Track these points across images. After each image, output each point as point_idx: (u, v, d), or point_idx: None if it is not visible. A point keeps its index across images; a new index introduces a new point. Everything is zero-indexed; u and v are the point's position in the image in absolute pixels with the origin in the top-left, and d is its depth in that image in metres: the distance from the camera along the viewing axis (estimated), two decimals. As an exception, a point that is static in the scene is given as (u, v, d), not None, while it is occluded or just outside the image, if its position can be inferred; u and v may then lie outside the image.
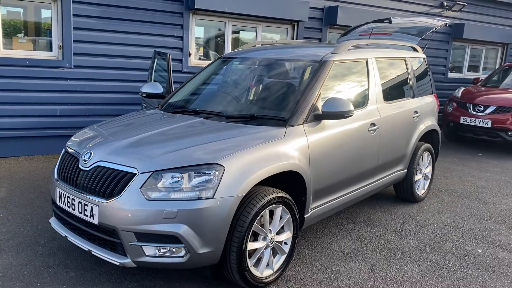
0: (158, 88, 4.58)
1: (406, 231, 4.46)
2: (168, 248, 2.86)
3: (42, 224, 4.23)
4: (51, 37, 6.60)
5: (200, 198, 2.82)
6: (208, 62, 7.87)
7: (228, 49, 8.07)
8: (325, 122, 3.70)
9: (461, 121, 8.70)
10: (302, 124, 3.52)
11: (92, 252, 3.03)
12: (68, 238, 3.22)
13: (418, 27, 5.93)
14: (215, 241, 2.89)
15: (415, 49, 5.49)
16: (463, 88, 9.40)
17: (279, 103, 3.83)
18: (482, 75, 11.66)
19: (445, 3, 10.32)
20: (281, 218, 3.29)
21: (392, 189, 5.44)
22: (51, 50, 6.64)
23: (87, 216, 3.00)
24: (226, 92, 4.38)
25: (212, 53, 8.23)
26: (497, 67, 12.15)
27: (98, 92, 6.96)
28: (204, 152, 3.00)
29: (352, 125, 3.98)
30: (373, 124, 4.23)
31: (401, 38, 5.73)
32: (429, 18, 6.53)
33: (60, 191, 3.23)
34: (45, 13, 6.64)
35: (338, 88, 4.03)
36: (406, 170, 5.03)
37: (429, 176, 5.53)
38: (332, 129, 3.76)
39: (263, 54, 4.44)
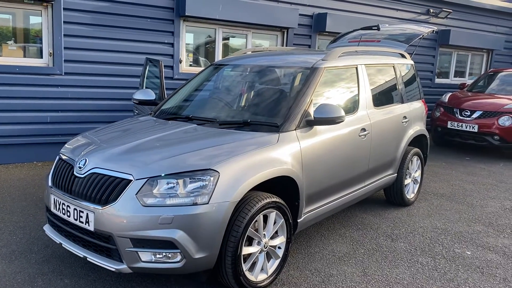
0: (151, 95, 4.61)
1: (397, 235, 4.53)
2: (164, 254, 2.88)
3: (35, 231, 4.22)
4: (42, 44, 6.59)
5: (195, 204, 2.86)
6: (199, 68, 7.94)
7: (218, 55, 8.12)
8: (317, 127, 3.76)
9: (449, 125, 8.85)
10: (295, 129, 3.58)
11: (88, 259, 3.03)
12: (63, 245, 3.22)
13: (406, 33, 6.05)
14: (211, 246, 2.92)
15: (403, 56, 5.60)
16: (450, 93, 9.57)
17: (272, 109, 3.88)
18: (468, 80, 11.87)
19: (432, 10, 10.51)
20: (275, 222, 3.33)
21: (382, 193, 5.52)
22: (41, 57, 6.63)
23: (82, 222, 3.01)
24: (219, 99, 4.42)
25: (202, 59, 8.28)
26: (482, 72, 12.39)
27: (89, 99, 6.96)
28: (198, 158, 3.04)
29: (343, 130, 4.05)
30: (363, 130, 4.31)
31: (389, 45, 5.84)
32: (416, 25, 6.66)
33: (55, 198, 3.24)
34: (36, 20, 6.63)
35: (329, 94, 4.10)
36: (396, 174, 5.11)
37: (418, 180, 5.62)
38: (324, 134, 3.82)
39: (255, 61, 4.50)
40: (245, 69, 4.47)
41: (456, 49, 11.56)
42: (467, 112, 8.66)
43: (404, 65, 5.42)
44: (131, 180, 2.90)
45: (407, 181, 5.34)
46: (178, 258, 2.88)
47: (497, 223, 5.03)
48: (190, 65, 7.96)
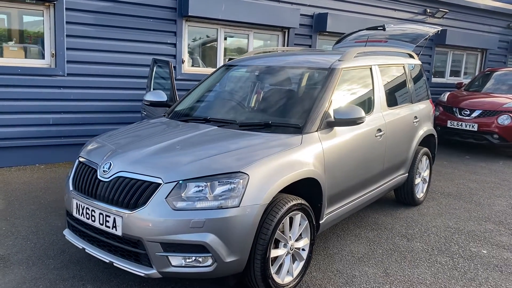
0: (162, 96, 4.55)
1: (412, 234, 4.54)
2: (195, 258, 2.85)
3: (49, 236, 4.15)
4: (44, 45, 6.48)
5: (226, 207, 2.83)
6: (201, 69, 7.89)
7: (220, 55, 8.08)
8: (336, 128, 3.75)
9: (448, 125, 8.93)
10: (316, 131, 3.57)
11: (114, 264, 2.99)
12: (86, 250, 3.17)
13: (412, 34, 6.08)
14: (241, 250, 2.89)
15: (411, 56, 5.63)
16: (449, 93, 9.65)
17: (291, 110, 3.87)
18: (463, 79, 11.99)
19: (428, 10, 10.59)
20: (299, 224, 3.32)
21: (391, 193, 5.54)
22: (43, 58, 6.52)
23: (109, 227, 2.96)
24: (234, 100, 4.39)
25: (204, 60, 8.22)
26: (476, 71, 12.54)
27: (92, 100, 6.87)
28: (227, 160, 3.01)
29: (361, 131, 4.05)
30: (379, 130, 4.32)
31: (397, 45, 5.86)
32: (421, 26, 6.70)
33: (78, 203, 3.18)
34: (37, 21, 6.52)
35: (346, 95, 4.10)
36: (407, 174, 5.13)
37: (427, 180, 5.65)
38: (343, 135, 3.82)
39: (269, 61, 4.47)
40: (261, 70, 4.44)
41: (452, 49, 11.68)
42: (467, 111, 8.74)
43: (413, 65, 5.44)
44: (160, 184, 2.86)
45: (417, 180, 5.36)
46: (209, 262, 2.85)
47: (507, 221, 5.08)
48: (192, 66, 7.91)
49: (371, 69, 4.48)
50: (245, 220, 2.86)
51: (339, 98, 3.95)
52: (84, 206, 3.13)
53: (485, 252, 4.21)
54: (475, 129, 8.53)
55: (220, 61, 8.08)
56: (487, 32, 12.13)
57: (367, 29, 6.44)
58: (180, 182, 2.85)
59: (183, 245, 2.81)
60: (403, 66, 5.18)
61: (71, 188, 3.31)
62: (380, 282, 3.55)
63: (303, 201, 3.26)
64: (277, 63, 4.41)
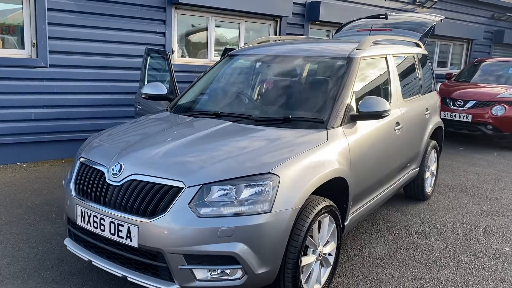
0: (162, 89, 4.17)
1: (429, 232, 4.35)
2: (222, 270, 2.54)
3: (42, 244, 3.76)
4: (23, 34, 5.98)
5: (257, 213, 2.53)
6: (192, 60, 7.51)
7: (211, 45, 7.70)
8: (359, 122, 3.49)
9: (442, 115, 8.79)
10: (341, 125, 3.29)
11: (128, 278, 2.65)
12: (93, 263, 2.81)
13: (417, 22, 5.86)
14: (273, 259, 2.60)
15: (418, 45, 5.41)
16: (441, 83, 9.55)
17: (311, 103, 3.57)
18: (450, 70, 11.95)
19: (418, 0, 10.44)
20: (327, 228, 3.05)
21: (400, 187, 5.34)
22: (23, 47, 6.02)
23: (122, 237, 2.62)
24: (244, 92, 4.06)
25: (195, 50, 7.82)
26: (462, 62, 12.53)
27: (77, 93, 6.42)
28: (254, 160, 2.70)
29: (381, 124, 3.80)
30: (397, 123, 4.08)
31: (403, 34, 5.63)
32: (424, 14, 6.49)
33: (83, 210, 2.81)
34: (16, 7, 6.00)
35: (364, 86, 3.83)
36: (418, 168, 4.93)
37: (435, 173, 5.48)
38: (364, 129, 3.56)
39: (279, 50, 4.16)
40: (271, 60, 4.12)
41: (439, 39, 11.60)
42: (460, 102, 8.65)
43: (421, 55, 5.23)
44: (182, 188, 2.53)
45: (427, 174, 5.18)
46: (239, 274, 2.54)
47: (519, 215, 4.96)
48: (182, 56, 7.51)
49: (386, 58, 4.23)
50: (277, 227, 2.57)
51: (359, 89, 3.68)
52: (90, 214, 2.77)
53: (507, 249, 4.05)
54: (469, 120, 8.45)
55: (211, 51, 7.71)
56: (473, 23, 12.11)
57: (369, 17, 6.20)
58: (205, 185, 2.53)
59: (209, 256, 2.50)
60: (413, 56, 4.95)
61: (73, 193, 2.93)
62: (410, 286, 3.32)
63: (331, 203, 2.99)
64: (288, 52, 4.09)
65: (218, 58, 7.59)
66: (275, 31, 8.41)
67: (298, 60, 3.99)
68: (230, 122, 3.32)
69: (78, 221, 2.86)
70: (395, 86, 4.25)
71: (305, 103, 3.61)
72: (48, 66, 6.12)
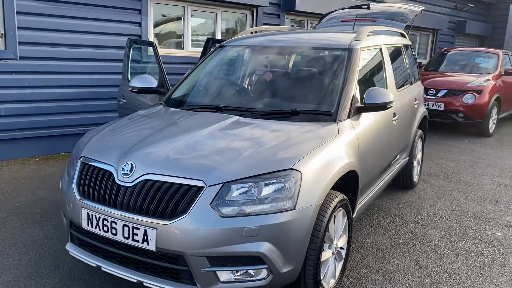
0: (152, 82, 3.99)
1: (424, 220, 4.42)
2: (245, 271, 2.45)
3: (33, 249, 3.52)
4: (-10, 24, 5.58)
5: (281, 210, 2.44)
6: (170, 50, 7.28)
7: (188, 35, 7.49)
8: (363, 114, 3.47)
9: (415, 104, 8.99)
10: (348, 117, 3.26)
11: (145, 284, 2.51)
12: (102, 269, 2.65)
13: (399, 12, 5.91)
14: (297, 257, 2.54)
15: (403, 35, 5.45)
16: (412, 73, 9.73)
17: (316, 96, 3.51)
18: (419, 60, 12.21)
19: (387, -10, 10.58)
20: (341, 222, 3.01)
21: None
22: (-10, 38, 5.62)
23: (137, 241, 2.47)
24: (243, 85, 3.95)
25: (171, 40, 7.58)
26: (428, 51, 12.85)
27: (50, 87, 6.07)
28: (274, 156, 2.61)
29: (381, 115, 3.79)
30: (394, 114, 4.09)
31: (388, 25, 5.66)
32: (404, 4, 6.56)
33: (90, 213, 2.63)
34: (-19, -5, 5.58)
35: (364, 77, 3.81)
36: (408, 157, 4.99)
37: (420, 162, 5.58)
38: (367, 121, 3.54)
39: (275, 41, 4.06)
40: (269, 51, 4.01)
41: (407, 29, 11.79)
42: (433, 91, 8.86)
43: (407, 45, 5.28)
44: (203, 187, 2.41)
45: (415, 163, 5.26)
46: (264, 274, 2.46)
47: (503, 200, 5.12)
48: (160, 47, 7.25)
49: (381, 49, 4.22)
50: (301, 224, 2.50)
51: (360, 80, 3.64)
52: (99, 217, 2.59)
53: (500, 234, 4.17)
54: (442, 108, 8.67)
55: (188, 42, 7.49)
56: (438, 13, 12.41)
57: (351, 8, 6.19)
58: (227, 183, 2.42)
59: (234, 257, 2.40)
60: (401, 46, 4.98)
61: (77, 196, 2.73)
62: (418, 276, 3.35)
63: (344, 196, 2.95)
64: (284, 42, 4.01)
65: (196, 49, 7.42)
66: (251, 21, 8.28)
67: (297, 50, 3.91)
68: (237, 117, 3.20)
69: (84, 225, 2.68)
70: (390, 76, 4.26)
71: (309, 95, 3.54)
72: (18, 58, 5.74)
